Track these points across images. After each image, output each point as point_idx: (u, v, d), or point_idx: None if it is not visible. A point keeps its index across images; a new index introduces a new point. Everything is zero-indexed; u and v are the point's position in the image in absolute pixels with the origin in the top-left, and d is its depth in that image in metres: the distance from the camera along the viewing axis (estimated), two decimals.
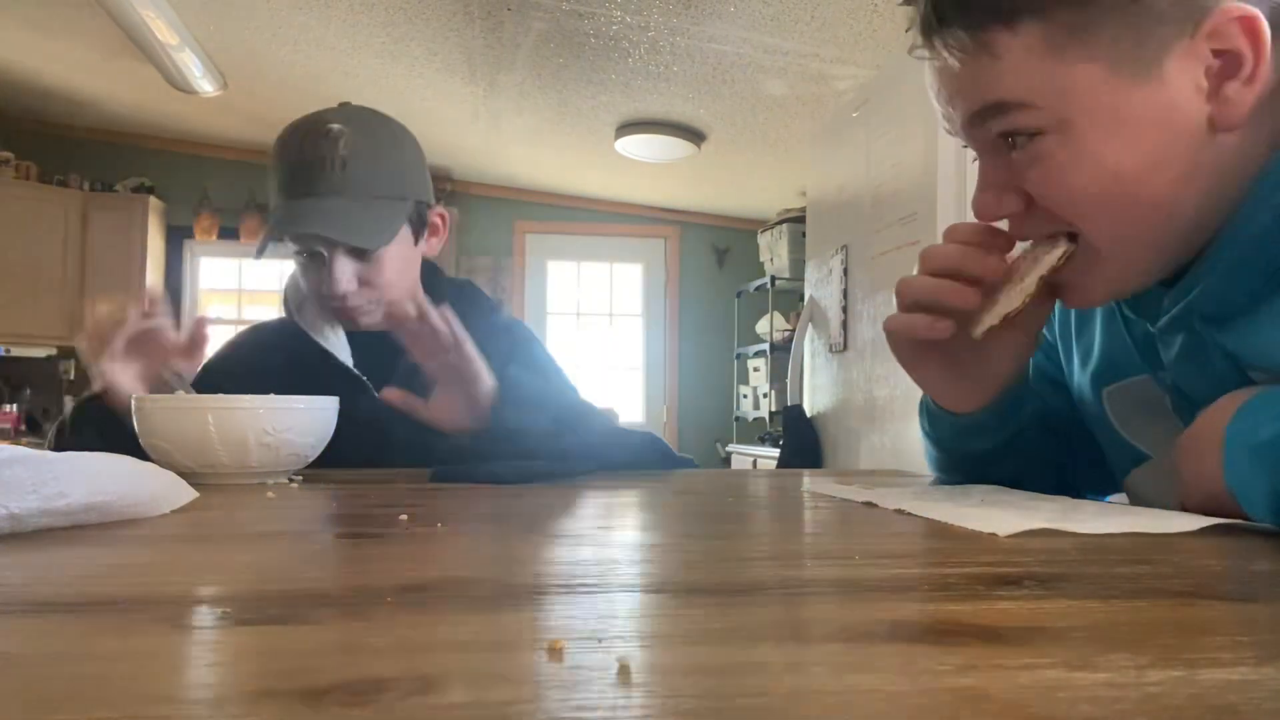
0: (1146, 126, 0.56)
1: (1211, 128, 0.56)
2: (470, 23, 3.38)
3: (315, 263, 1.08)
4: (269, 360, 1.14)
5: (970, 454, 0.79)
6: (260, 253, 1.06)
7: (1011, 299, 0.62)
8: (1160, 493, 0.71)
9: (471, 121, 4.50)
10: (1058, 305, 0.81)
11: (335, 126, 1.06)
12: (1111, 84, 0.56)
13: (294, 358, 1.12)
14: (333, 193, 1.05)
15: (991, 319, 0.62)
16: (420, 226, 1.15)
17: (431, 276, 1.21)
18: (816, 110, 3.87)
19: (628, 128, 4.35)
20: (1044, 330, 0.86)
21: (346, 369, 1.13)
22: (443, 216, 1.19)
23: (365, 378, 1.12)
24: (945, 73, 0.61)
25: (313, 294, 1.12)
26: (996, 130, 0.60)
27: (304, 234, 1.05)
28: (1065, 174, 0.58)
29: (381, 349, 1.13)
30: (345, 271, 1.07)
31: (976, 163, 0.65)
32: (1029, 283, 0.61)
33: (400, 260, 1.12)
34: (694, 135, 4.37)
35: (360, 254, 1.07)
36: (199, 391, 0.97)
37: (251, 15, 3.49)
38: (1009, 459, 0.77)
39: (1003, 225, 0.66)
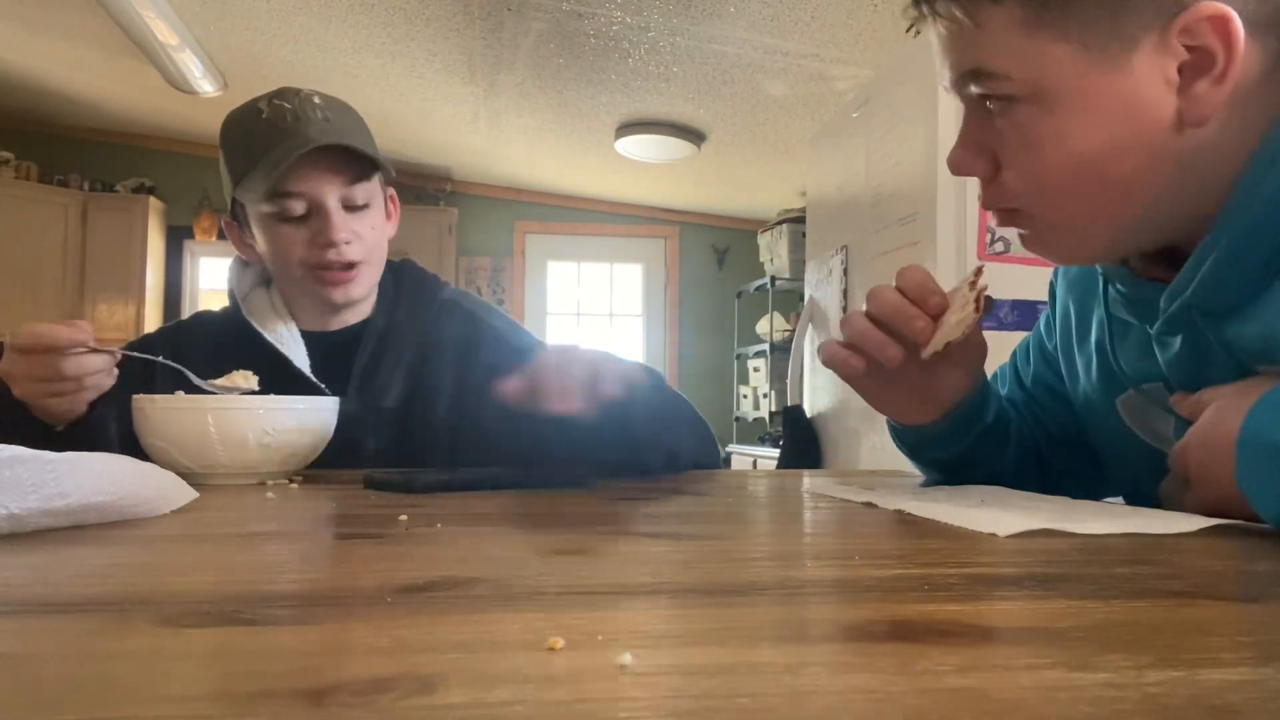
0: (1111, 112, 0.58)
1: (1180, 122, 0.57)
2: (470, 23, 3.38)
3: (295, 226, 1.03)
4: (222, 356, 1.03)
5: (933, 461, 0.81)
6: (237, 193, 0.99)
7: (953, 329, 0.67)
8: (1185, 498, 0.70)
9: (471, 122, 4.50)
10: (1060, 318, 0.83)
11: (303, 89, 1.03)
12: (1081, 66, 0.57)
13: (247, 359, 1.01)
14: (323, 136, 1.00)
15: (937, 344, 0.67)
16: (385, 199, 1.12)
17: None
18: (816, 110, 3.87)
19: (628, 128, 4.35)
20: (1045, 340, 0.87)
21: (305, 377, 1.06)
22: (394, 199, 1.16)
23: (325, 385, 1.05)
24: (937, 34, 0.64)
25: (296, 261, 1.05)
26: (977, 93, 0.62)
27: (318, 151, 0.97)
28: (1032, 146, 0.60)
29: (336, 349, 1.08)
30: (344, 221, 1.03)
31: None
32: (967, 314, 0.66)
33: (380, 222, 1.09)
34: (694, 135, 4.37)
35: (353, 207, 1.04)
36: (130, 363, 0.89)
37: (251, 15, 3.49)
38: (973, 467, 0.79)
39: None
